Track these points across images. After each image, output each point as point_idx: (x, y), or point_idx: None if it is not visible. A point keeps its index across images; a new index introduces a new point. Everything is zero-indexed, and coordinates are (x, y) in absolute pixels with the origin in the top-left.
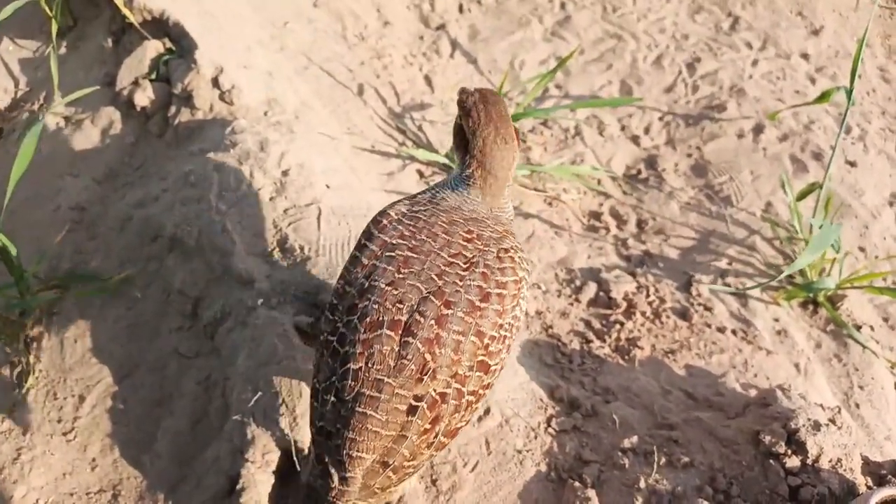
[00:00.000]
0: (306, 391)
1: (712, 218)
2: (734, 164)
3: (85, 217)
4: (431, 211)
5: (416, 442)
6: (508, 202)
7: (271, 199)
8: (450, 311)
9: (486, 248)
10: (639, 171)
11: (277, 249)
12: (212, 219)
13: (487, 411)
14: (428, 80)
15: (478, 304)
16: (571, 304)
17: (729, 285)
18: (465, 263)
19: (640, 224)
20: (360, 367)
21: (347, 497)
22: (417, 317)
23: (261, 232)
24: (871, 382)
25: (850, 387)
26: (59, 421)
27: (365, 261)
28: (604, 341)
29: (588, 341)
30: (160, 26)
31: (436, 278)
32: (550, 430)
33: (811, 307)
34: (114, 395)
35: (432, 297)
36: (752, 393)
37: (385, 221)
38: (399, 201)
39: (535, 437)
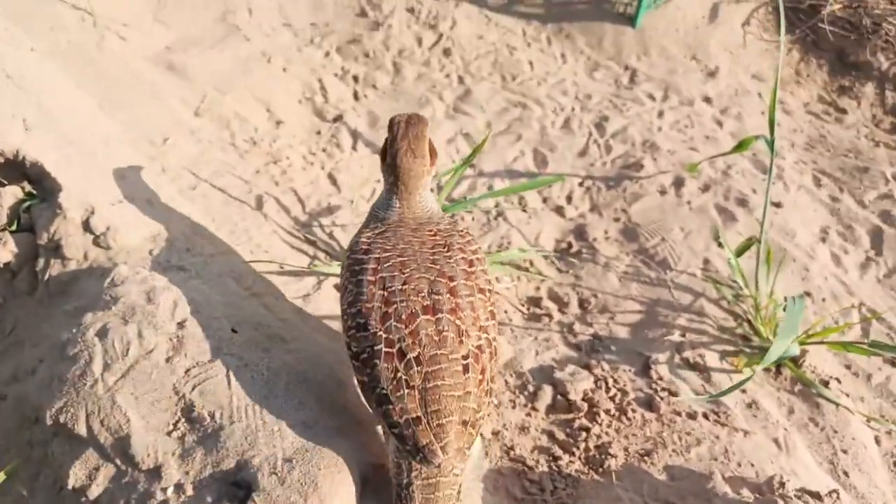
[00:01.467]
0: None
1: (654, 285)
2: (662, 223)
3: None
4: (392, 229)
5: (478, 393)
6: (431, 206)
7: (168, 359)
8: (455, 283)
9: (450, 235)
10: (569, 245)
11: (183, 421)
12: (98, 396)
13: None
14: (332, 178)
15: (469, 270)
16: (529, 415)
17: (687, 359)
18: (444, 249)
19: (583, 304)
20: (419, 353)
21: (447, 465)
22: (436, 296)
23: (160, 402)
24: (853, 443)
25: (834, 453)
26: None
27: (371, 278)
28: (573, 454)
29: (556, 458)
30: (16, 168)
31: (432, 265)
32: None
33: (774, 369)
34: None
35: (438, 279)
36: (746, 493)
37: (364, 247)
38: (357, 234)
39: None
